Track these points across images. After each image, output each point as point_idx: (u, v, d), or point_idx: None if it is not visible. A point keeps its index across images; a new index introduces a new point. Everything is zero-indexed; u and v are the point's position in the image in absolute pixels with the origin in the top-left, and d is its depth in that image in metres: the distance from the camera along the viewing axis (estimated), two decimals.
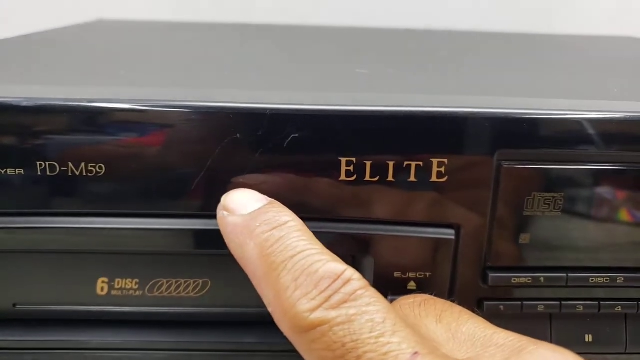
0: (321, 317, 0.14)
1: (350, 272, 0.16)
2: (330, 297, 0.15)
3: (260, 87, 0.23)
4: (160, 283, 0.21)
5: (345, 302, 0.15)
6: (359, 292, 0.15)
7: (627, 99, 0.21)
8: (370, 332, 0.14)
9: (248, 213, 0.17)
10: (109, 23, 0.49)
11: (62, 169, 0.19)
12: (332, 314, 0.15)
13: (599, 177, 0.20)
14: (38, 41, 0.35)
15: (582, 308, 0.21)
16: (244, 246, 0.17)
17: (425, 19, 0.58)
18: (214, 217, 0.19)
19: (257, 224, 0.17)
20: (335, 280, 0.15)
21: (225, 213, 0.18)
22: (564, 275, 0.21)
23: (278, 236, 0.16)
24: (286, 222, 0.17)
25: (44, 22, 0.45)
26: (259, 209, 0.17)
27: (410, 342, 0.14)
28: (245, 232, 0.17)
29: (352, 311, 0.15)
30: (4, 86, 0.20)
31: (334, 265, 0.16)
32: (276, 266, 0.16)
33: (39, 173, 0.19)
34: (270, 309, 0.16)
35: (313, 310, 0.15)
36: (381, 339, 0.14)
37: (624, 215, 0.20)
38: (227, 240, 0.18)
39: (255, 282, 0.17)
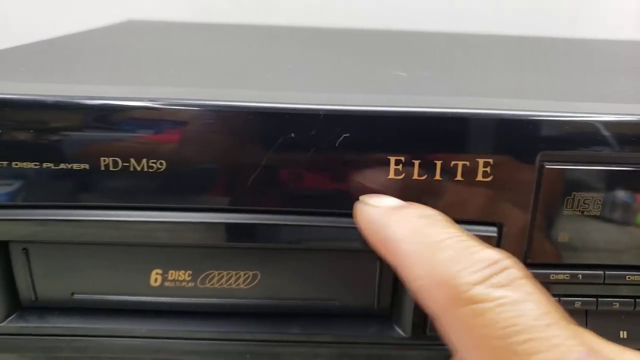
0: (485, 293, 0.14)
1: (510, 261, 0.15)
2: (492, 276, 0.14)
3: (307, 88, 0.24)
4: (212, 275, 0.22)
5: (507, 285, 0.14)
6: (521, 280, 0.15)
7: None
8: (536, 320, 0.14)
9: (390, 205, 0.18)
10: (137, 23, 0.51)
11: (124, 164, 0.20)
12: (497, 292, 0.14)
13: (636, 179, 0.21)
14: (81, 41, 0.36)
15: (618, 305, 0.22)
16: (387, 227, 0.17)
17: (449, 23, 0.59)
18: (268, 212, 0.20)
19: (407, 209, 0.17)
20: (494, 264, 0.15)
21: (366, 201, 0.18)
22: (602, 272, 0.21)
23: (431, 220, 0.16)
24: (435, 213, 0.17)
25: (74, 24, 0.46)
26: (402, 203, 0.18)
27: (581, 340, 0.14)
28: (390, 215, 0.17)
29: (516, 295, 0.14)
30: (70, 86, 0.21)
31: (493, 251, 0.15)
32: (433, 243, 0.16)
33: (102, 169, 0.20)
34: (417, 284, 0.16)
35: (476, 283, 0.14)
36: (549, 331, 0.14)
37: None
38: (365, 225, 0.18)
39: (399, 259, 0.16)
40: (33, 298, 0.23)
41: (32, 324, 0.23)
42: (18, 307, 0.23)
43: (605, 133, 0.20)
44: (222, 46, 0.37)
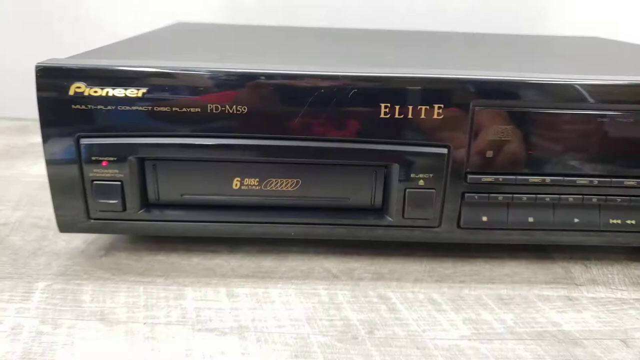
0: None
1: None
2: None
3: (327, 63, 0.37)
4: (271, 181, 0.36)
5: None
6: None
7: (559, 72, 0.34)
8: None
9: None
10: (187, 25, 0.64)
11: (222, 108, 0.33)
12: None
13: (534, 118, 0.33)
14: (156, 37, 0.50)
15: (525, 199, 0.35)
16: None
17: (434, 23, 0.73)
18: (306, 139, 0.33)
19: None
20: None
21: None
22: (514, 177, 0.34)
23: None
24: None
25: (132, 27, 0.60)
26: None
27: None
28: None
29: None
30: (177, 62, 0.34)
31: None
32: None
33: (208, 111, 0.33)
34: None
35: None
36: None
37: (547, 141, 0.34)
38: None
39: None
40: (157, 197, 0.36)
41: (156, 215, 0.36)
42: (146, 203, 0.37)
43: (511, 89, 0.33)
44: (259, 39, 0.50)
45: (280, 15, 0.74)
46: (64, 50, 0.76)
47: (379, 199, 0.36)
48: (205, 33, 0.57)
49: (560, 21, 0.75)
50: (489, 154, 0.34)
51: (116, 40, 0.47)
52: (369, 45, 0.51)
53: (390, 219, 0.36)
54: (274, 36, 0.55)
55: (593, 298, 0.35)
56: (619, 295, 0.35)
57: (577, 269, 0.38)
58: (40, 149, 0.33)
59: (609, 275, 0.37)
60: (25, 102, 0.58)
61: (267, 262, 0.38)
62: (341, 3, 0.74)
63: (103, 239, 0.41)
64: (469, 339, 0.30)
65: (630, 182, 0.35)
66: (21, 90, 0.62)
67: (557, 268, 0.38)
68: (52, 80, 0.32)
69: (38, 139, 0.34)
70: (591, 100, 0.33)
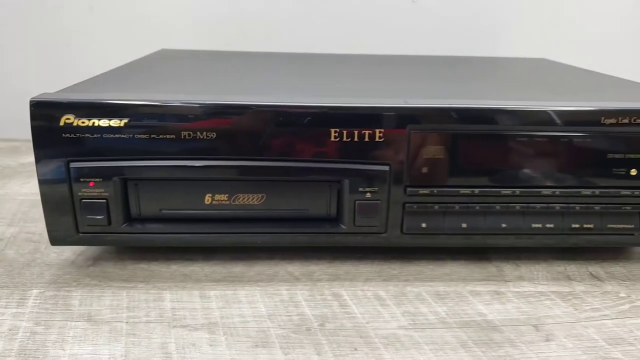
0: None
1: None
2: None
3: (288, 93, 0.42)
4: (239, 196, 0.41)
5: None
6: None
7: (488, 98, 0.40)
8: None
9: None
10: (171, 52, 0.70)
11: (194, 134, 0.38)
12: None
13: (462, 139, 0.39)
14: (140, 66, 0.55)
15: (458, 207, 0.41)
16: None
17: (395, 47, 0.79)
18: (269, 160, 0.39)
19: None
20: None
21: None
22: (446, 189, 0.40)
23: None
24: None
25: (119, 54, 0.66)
26: None
27: None
28: None
29: None
30: (164, 95, 0.39)
31: None
32: None
33: (182, 137, 0.38)
34: None
35: None
36: None
37: (474, 158, 0.39)
38: None
39: None
40: (138, 212, 0.41)
41: (138, 228, 0.41)
42: (129, 218, 0.41)
43: (441, 115, 0.38)
44: (234, 67, 0.56)
45: (260, 40, 0.80)
46: (56, 74, 0.82)
47: (333, 210, 0.41)
48: (186, 61, 0.62)
49: (512, 41, 0.82)
50: (424, 170, 0.40)
51: (106, 64, 0.53)
52: (333, 73, 0.56)
53: (344, 227, 0.41)
54: (246, 63, 0.61)
55: (517, 292, 0.40)
56: (539, 289, 0.40)
57: (509, 268, 0.44)
58: (32, 168, 0.38)
59: (535, 272, 0.43)
60: (16, 124, 0.62)
61: (238, 268, 0.43)
62: (315, 30, 0.80)
63: (91, 250, 0.45)
64: (406, 329, 0.35)
65: (546, 191, 0.41)
66: (12, 112, 0.66)
67: (491, 267, 0.44)
68: (44, 113, 0.37)
69: (29, 159, 0.38)
70: (510, 122, 0.39)
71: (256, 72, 0.55)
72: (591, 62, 0.71)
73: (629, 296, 0.40)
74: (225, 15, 0.80)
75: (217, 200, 0.41)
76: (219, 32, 0.80)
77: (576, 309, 0.38)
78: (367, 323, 0.36)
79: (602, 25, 0.82)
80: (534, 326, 0.36)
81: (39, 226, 0.49)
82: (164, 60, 0.62)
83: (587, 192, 0.41)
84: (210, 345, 0.33)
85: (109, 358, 0.32)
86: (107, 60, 0.58)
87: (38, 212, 0.40)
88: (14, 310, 0.37)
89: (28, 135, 0.37)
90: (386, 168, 0.39)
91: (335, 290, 0.40)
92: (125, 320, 0.36)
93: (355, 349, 0.33)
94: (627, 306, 0.38)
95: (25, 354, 0.32)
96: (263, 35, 0.80)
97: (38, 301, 0.38)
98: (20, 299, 0.38)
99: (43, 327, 0.35)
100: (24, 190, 0.59)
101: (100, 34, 0.80)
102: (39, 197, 0.39)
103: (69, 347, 0.33)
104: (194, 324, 0.35)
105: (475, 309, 0.38)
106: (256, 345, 0.33)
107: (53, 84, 0.42)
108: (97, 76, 0.48)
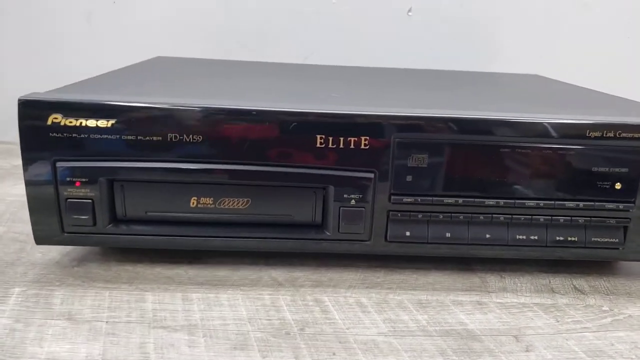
0: None
1: None
2: None
3: (274, 99, 0.43)
4: (224, 200, 0.41)
5: None
6: None
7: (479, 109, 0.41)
8: None
9: None
10: (166, 59, 0.70)
11: (180, 137, 0.39)
12: None
13: (447, 148, 0.39)
14: (134, 71, 0.56)
15: (442, 216, 0.41)
16: None
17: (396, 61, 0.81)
18: (255, 164, 0.39)
19: None
20: None
21: None
22: (431, 198, 0.40)
23: None
24: None
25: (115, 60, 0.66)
26: None
27: None
28: None
29: None
30: (158, 98, 0.39)
31: None
32: None
33: (169, 140, 0.39)
34: None
35: None
36: None
37: (458, 167, 0.40)
38: None
39: None
40: (124, 214, 0.41)
41: (123, 229, 0.41)
42: (115, 219, 0.41)
43: (426, 123, 0.39)
44: (224, 74, 0.57)
45: (255, 50, 0.81)
46: (51, 79, 0.82)
47: (318, 216, 0.42)
48: (178, 68, 0.63)
49: (507, 57, 0.83)
50: (409, 178, 0.40)
51: (101, 69, 0.53)
52: (325, 82, 0.57)
53: (328, 233, 0.41)
54: (239, 70, 0.61)
55: (500, 303, 0.40)
56: (522, 300, 0.40)
57: (493, 279, 0.44)
58: None
59: (519, 284, 0.43)
60: (12, 127, 0.63)
61: (222, 272, 0.43)
62: (314, 41, 0.81)
63: (77, 251, 0.45)
64: (385, 335, 0.35)
65: (530, 203, 0.41)
66: (5, 115, 0.67)
67: (475, 278, 0.44)
68: (32, 112, 0.38)
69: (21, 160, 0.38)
70: (496, 132, 0.39)
71: (248, 79, 0.56)
72: (584, 79, 0.72)
73: (611, 310, 0.40)
74: (222, 25, 0.81)
75: (203, 203, 0.41)
76: (215, 41, 0.81)
77: (557, 321, 0.38)
78: (347, 329, 0.36)
79: (596, 43, 0.83)
80: (515, 337, 0.36)
81: (27, 227, 0.48)
82: (158, 66, 0.62)
83: (572, 204, 0.41)
84: (189, 347, 0.33)
85: (87, 356, 0.32)
86: (103, 67, 0.58)
87: (27, 213, 0.40)
88: None
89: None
90: (371, 175, 0.40)
91: (317, 296, 0.40)
92: (105, 320, 0.36)
93: (334, 354, 0.33)
94: (609, 319, 0.38)
95: (2, 350, 0.32)
96: (259, 45, 0.81)
97: (20, 299, 0.38)
98: (2, 296, 0.38)
99: (22, 324, 0.35)
100: (14, 191, 0.60)
101: (98, 41, 0.81)
102: None
103: (47, 345, 0.33)
104: (173, 325, 0.35)
105: (456, 318, 0.38)
106: (234, 348, 0.33)
107: (47, 89, 0.43)
108: (88, 79, 0.49)
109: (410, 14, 0.82)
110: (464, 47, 0.82)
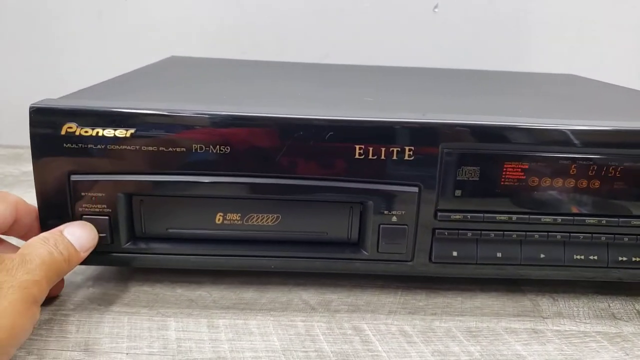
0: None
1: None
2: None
3: (300, 105, 0.39)
4: (252, 216, 0.37)
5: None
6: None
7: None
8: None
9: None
10: (180, 59, 0.67)
11: (206, 148, 0.35)
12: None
13: (500, 159, 0.35)
14: (150, 72, 0.52)
15: (493, 235, 0.37)
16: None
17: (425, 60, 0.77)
18: (287, 178, 0.35)
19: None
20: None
21: None
22: (482, 215, 0.36)
23: None
24: None
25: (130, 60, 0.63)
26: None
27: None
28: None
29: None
30: (179, 103, 0.36)
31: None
32: None
33: (193, 150, 0.35)
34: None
35: None
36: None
37: (513, 181, 0.36)
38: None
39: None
40: (143, 231, 0.38)
41: (142, 248, 0.38)
42: (133, 236, 0.38)
43: (477, 133, 0.35)
44: (246, 77, 0.53)
45: (272, 49, 0.77)
46: (62, 80, 0.79)
47: (355, 234, 0.38)
48: (195, 69, 0.59)
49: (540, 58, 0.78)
50: (458, 193, 0.36)
51: (114, 71, 0.50)
52: (352, 84, 0.53)
53: (365, 252, 0.38)
54: (259, 72, 0.58)
55: (557, 331, 0.36)
56: (582, 329, 0.36)
57: (545, 302, 0.40)
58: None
59: (575, 309, 0.39)
60: (19, 130, 0.60)
61: (248, 294, 0.39)
62: (332, 42, 0.77)
63: (92, 268, 0.42)
64: None
65: (591, 220, 0.37)
66: (15, 118, 0.64)
67: (525, 301, 0.40)
68: (45, 120, 0.34)
69: (32, 167, 0.35)
70: (557, 143, 0.35)
71: (271, 81, 0.52)
72: (615, 77, 0.68)
73: None
74: (236, 23, 0.77)
75: (229, 219, 0.38)
76: (230, 40, 0.77)
77: (627, 354, 0.34)
78: None
79: (627, 39, 0.79)
80: None
81: None
82: (174, 67, 0.59)
83: (638, 222, 0.37)
84: None
85: None
86: (115, 67, 0.55)
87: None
88: None
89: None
90: (415, 190, 0.36)
91: (355, 324, 0.36)
92: (125, 352, 0.32)
93: None
94: None
95: None
96: (275, 44, 0.78)
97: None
98: None
99: (35, 356, 0.32)
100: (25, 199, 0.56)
101: (109, 41, 0.77)
102: None
103: None
104: (200, 358, 0.32)
105: (512, 349, 0.34)
106: None
107: (58, 91, 0.39)
108: (103, 82, 0.45)
109: (436, 10, 0.78)
110: (491, 42, 0.78)
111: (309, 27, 0.77)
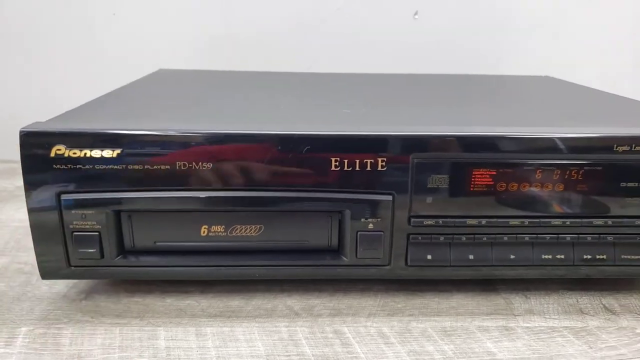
0: None
1: None
2: None
3: (282, 120, 0.41)
4: (236, 227, 0.39)
5: None
6: None
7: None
8: None
9: None
10: (168, 72, 0.69)
11: (190, 165, 0.37)
12: None
13: (468, 167, 0.38)
14: (138, 88, 0.54)
15: (464, 238, 0.39)
16: None
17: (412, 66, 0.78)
18: (268, 190, 0.37)
19: None
20: None
21: None
22: (452, 220, 0.38)
23: None
24: None
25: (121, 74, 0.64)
26: None
27: None
28: None
29: None
30: (168, 123, 0.38)
31: None
32: None
33: (177, 168, 0.37)
34: None
35: None
36: None
37: (481, 187, 0.38)
38: None
39: None
40: (132, 245, 0.40)
41: (131, 261, 0.40)
42: (123, 250, 0.40)
43: (445, 143, 0.37)
44: (231, 89, 0.55)
45: (258, 59, 0.79)
46: (51, 94, 0.80)
47: (334, 241, 0.40)
48: (181, 83, 0.61)
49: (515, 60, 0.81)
50: (429, 199, 0.38)
51: (103, 84, 0.52)
52: (333, 94, 0.55)
53: (345, 258, 0.40)
54: (244, 84, 0.60)
55: (527, 327, 0.38)
56: (550, 324, 0.39)
57: (518, 300, 0.42)
58: None
59: (545, 305, 0.41)
60: (14, 145, 0.61)
61: (235, 302, 0.41)
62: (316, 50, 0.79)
63: (84, 282, 0.44)
64: None
65: (556, 221, 0.39)
66: (8, 132, 0.65)
67: (499, 299, 0.42)
68: (35, 143, 0.36)
69: None
70: (518, 149, 0.37)
71: (255, 96, 0.54)
72: (591, 78, 0.70)
73: None
74: (223, 34, 0.79)
75: (214, 231, 0.39)
76: (217, 51, 0.79)
77: (590, 347, 0.36)
78: None
79: (603, 41, 0.81)
80: None
81: (32, 256, 0.47)
82: (161, 83, 0.61)
83: (600, 222, 0.39)
84: None
85: None
86: (104, 81, 0.57)
87: (31, 241, 0.38)
88: (2, 350, 0.35)
89: None
90: (389, 198, 0.38)
91: (336, 327, 0.38)
92: None
93: None
94: None
95: None
96: (260, 55, 0.79)
97: (27, 340, 0.36)
98: (9, 337, 0.37)
99: None
100: (18, 215, 0.58)
101: (97, 54, 0.79)
102: None
103: None
104: None
105: (483, 347, 0.36)
106: None
107: (49, 105, 0.41)
108: (91, 101, 0.47)
109: (416, 17, 0.80)
110: (469, 47, 0.80)
111: (292, 38, 0.79)
